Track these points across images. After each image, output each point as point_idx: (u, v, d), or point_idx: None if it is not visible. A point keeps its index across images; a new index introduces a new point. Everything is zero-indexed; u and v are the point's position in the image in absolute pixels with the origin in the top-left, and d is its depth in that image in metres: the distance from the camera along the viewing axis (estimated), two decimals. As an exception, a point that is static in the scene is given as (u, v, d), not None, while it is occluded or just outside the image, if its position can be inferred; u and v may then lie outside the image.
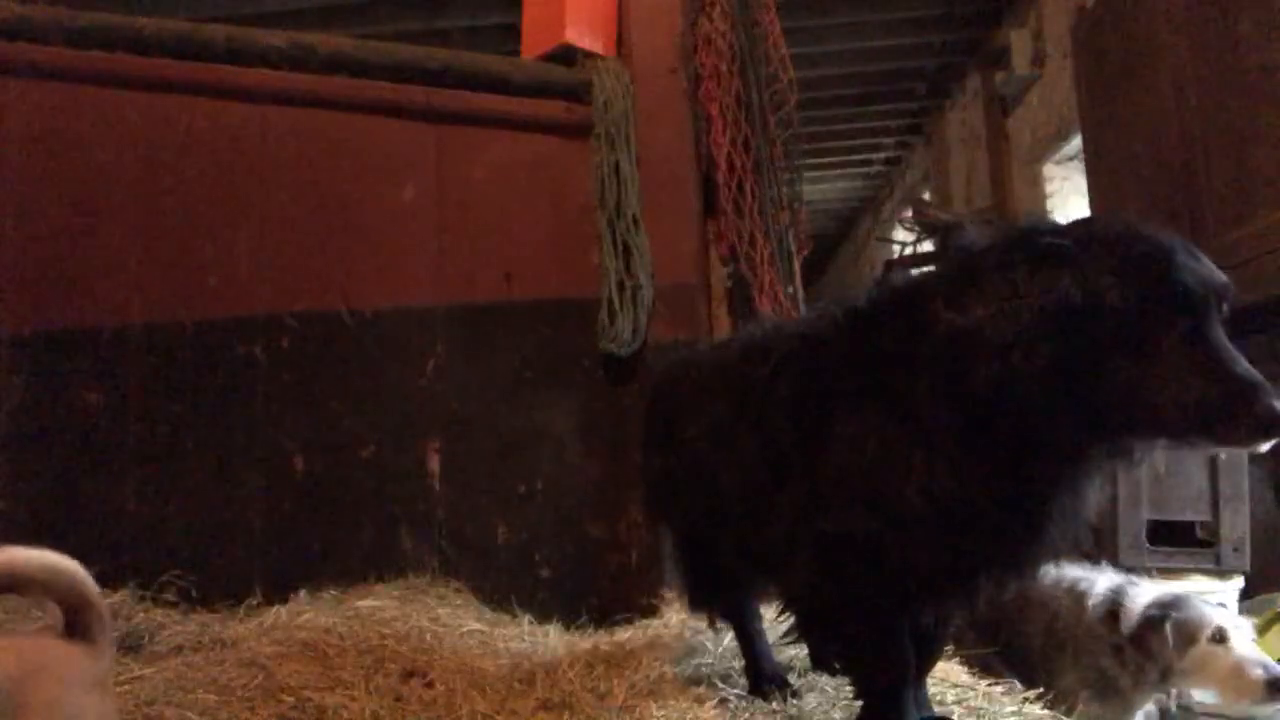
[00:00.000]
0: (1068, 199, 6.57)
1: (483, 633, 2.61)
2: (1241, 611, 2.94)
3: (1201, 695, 2.56)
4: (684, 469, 2.05)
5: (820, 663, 2.27)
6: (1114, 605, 2.44)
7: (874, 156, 10.36)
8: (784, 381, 1.71)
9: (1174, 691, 2.56)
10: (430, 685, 1.98)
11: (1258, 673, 2.21)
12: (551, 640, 2.64)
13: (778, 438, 1.69)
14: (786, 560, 1.68)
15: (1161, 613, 2.33)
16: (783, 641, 1.91)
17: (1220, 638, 2.28)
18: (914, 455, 1.45)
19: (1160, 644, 2.30)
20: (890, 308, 1.59)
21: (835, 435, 1.57)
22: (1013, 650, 2.60)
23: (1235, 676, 2.25)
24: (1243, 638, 2.31)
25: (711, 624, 2.33)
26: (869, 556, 1.54)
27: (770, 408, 1.72)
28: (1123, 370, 1.29)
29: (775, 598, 1.87)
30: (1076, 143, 5.81)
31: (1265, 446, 1.27)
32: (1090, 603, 2.49)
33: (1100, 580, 2.56)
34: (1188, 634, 2.29)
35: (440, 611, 2.71)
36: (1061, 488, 1.44)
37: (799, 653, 2.35)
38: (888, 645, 1.62)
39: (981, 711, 1.91)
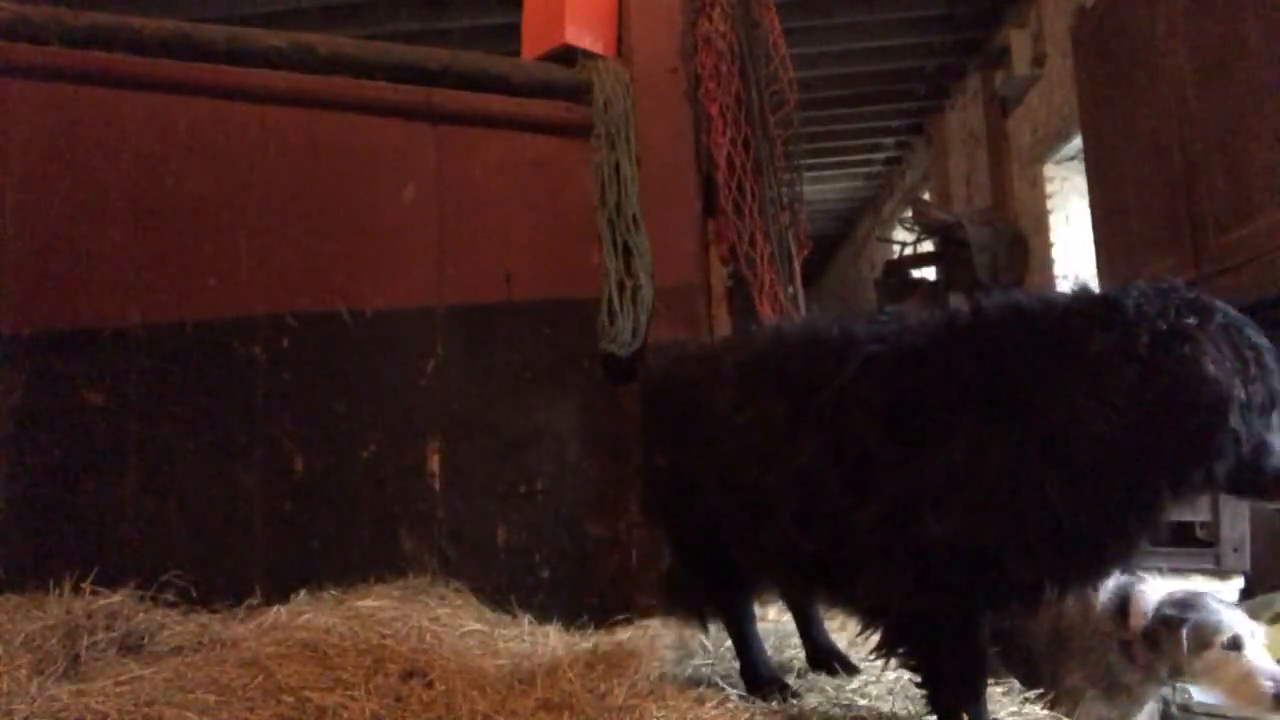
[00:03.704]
0: (1068, 199, 6.58)
1: (483, 633, 2.60)
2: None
3: (1204, 696, 2.56)
4: (700, 468, 2.03)
5: (819, 663, 2.27)
6: (1123, 602, 2.45)
7: (874, 156, 10.36)
8: (872, 384, 1.70)
9: (1178, 688, 2.56)
10: (430, 685, 1.98)
11: (1267, 685, 2.21)
12: (551, 640, 2.64)
13: (862, 440, 1.68)
14: (879, 569, 1.67)
15: (1180, 614, 2.34)
16: (873, 656, 1.88)
17: (1235, 645, 2.29)
18: (1049, 473, 1.52)
19: (1174, 644, 2.31)
20: (1028, 326, 1.63)
21: (950, 443, 1.58)
22: (1015, 651, 2.60)
23: (1244, 685, 2.26)
24: (1257, 645, 2.32)
25: (704, 626, 2.33)
26: (977, 565, 1.58)
27: (852, 410, 1.70)
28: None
29: (855, 609, 1.85)
30: (1076, 143, 5.81)
31: None
32: (1099, 600, 2.50)
33: (1107, 579, 2.56)
34: (1203, 638, 2.31)
35: (440, 611, 2.71)
36: (1164, 510, 1.59)
37: (798, 653, 2.35)
38: (975, 652, 1.68)
39: (982, 711, 1.90)
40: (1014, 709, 1.97)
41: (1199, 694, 2.60)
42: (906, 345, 1.74)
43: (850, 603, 1.87)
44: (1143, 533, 1.60)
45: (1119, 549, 1.62)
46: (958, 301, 6.33)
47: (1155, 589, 2.45)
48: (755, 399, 1.90)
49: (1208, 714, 2.54)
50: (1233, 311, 1.56)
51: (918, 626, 1.69)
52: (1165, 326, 1.50)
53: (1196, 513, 3.13)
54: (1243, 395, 1.46)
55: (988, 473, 1.55)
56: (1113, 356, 1.50)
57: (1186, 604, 2.38)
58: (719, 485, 1.99)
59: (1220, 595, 2.93)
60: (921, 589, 1.63)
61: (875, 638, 1.78)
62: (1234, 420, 1.45)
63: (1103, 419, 1.49)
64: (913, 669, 1.76)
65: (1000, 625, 2.67)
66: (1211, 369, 1.45)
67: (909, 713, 1.93)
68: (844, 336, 1.83)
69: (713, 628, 2.36)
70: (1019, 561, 1.57)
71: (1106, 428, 1.49)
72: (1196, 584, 2.94)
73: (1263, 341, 1.54)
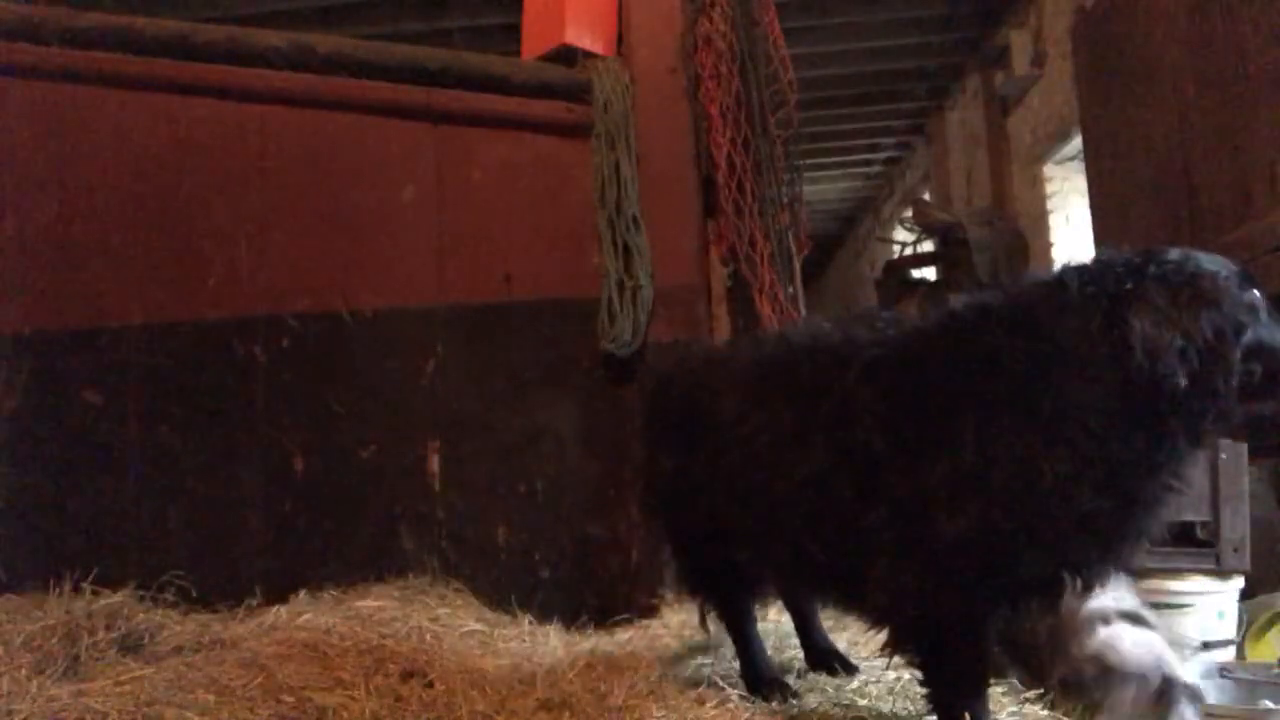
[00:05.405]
0: (1068, 199, 6.57)
1: (483, 633, 2.61)
2: (1241, 612, 2.95)
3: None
4: (706, 472, 2.03)
5: (819, 663, 2.27)
6: None
7: (874, 156, 10.35)
8: (876, 385, 1.72)
9: None
10: (430, 685, 1.98)
11: None
12: (551, 640, 2.64)
13: (869, 444, 1.69)
14: (890, 571, 1.68)
15: None
16: (877, 655, 1.88)
17: None
18: (1061, 464, 1.53)
19: None
20: (1023, 320, 1.64)
21: (956, 442, 1.60)
22: (1016, 646, 2.60)
23: None
24: None
25: (703, 622, 2.34)
26: (993, 562, 1.59)
27: (859, 411, 1.71)
28: None
29: (863, 611, 1.86)
30: (1076, 143, 5.81)
31: None
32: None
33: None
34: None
35: (440, 611, 2.71)
36: (1185, 463, 1.62)
37: (798, 653, 2.35)
38: (980, 651, 1.69)
39: (981, 711, 1.90)
40: (1014, 709, 1.97)
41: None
42: (906, 348, 1.75)
43: (859, 605, 1.87)
44: (1166, 497, 1.62)
45: (1142, 523, 1.63)
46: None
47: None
48: (762, 405, 1.91)
49: (1207, 714, 2.54)
50: (1172, 253, 1.58)
51: (927, 626, 1.70)
52: (1108, 302, 1.54)
53: (1197, 513, 3.12)
54: (1180, 341, 1.48)
55: (998, 468, 1.56)
56: (1082, 341, 1.54)
57: None
58: (725, 489, 1.99)
59: (1220, 595, 2.94)
60: (934, 590, 1.64)
61: (881, 637, 1.78)
62: (1170, 365, 1.48)
63: (1094, 400, 1.53)
64: (917, 666, 1.76)
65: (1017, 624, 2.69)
66: (1147, 328, 1.49)
67: (909, 713, 1.93)
68: (846, 341, 1.84)
69: (713, 628, 2.36)
70: (1037, 554, 1.58)
71: (1100, 406, 1.52)
72: (1194, 584, 2.93)
73: (1199, 268, 1.55)
